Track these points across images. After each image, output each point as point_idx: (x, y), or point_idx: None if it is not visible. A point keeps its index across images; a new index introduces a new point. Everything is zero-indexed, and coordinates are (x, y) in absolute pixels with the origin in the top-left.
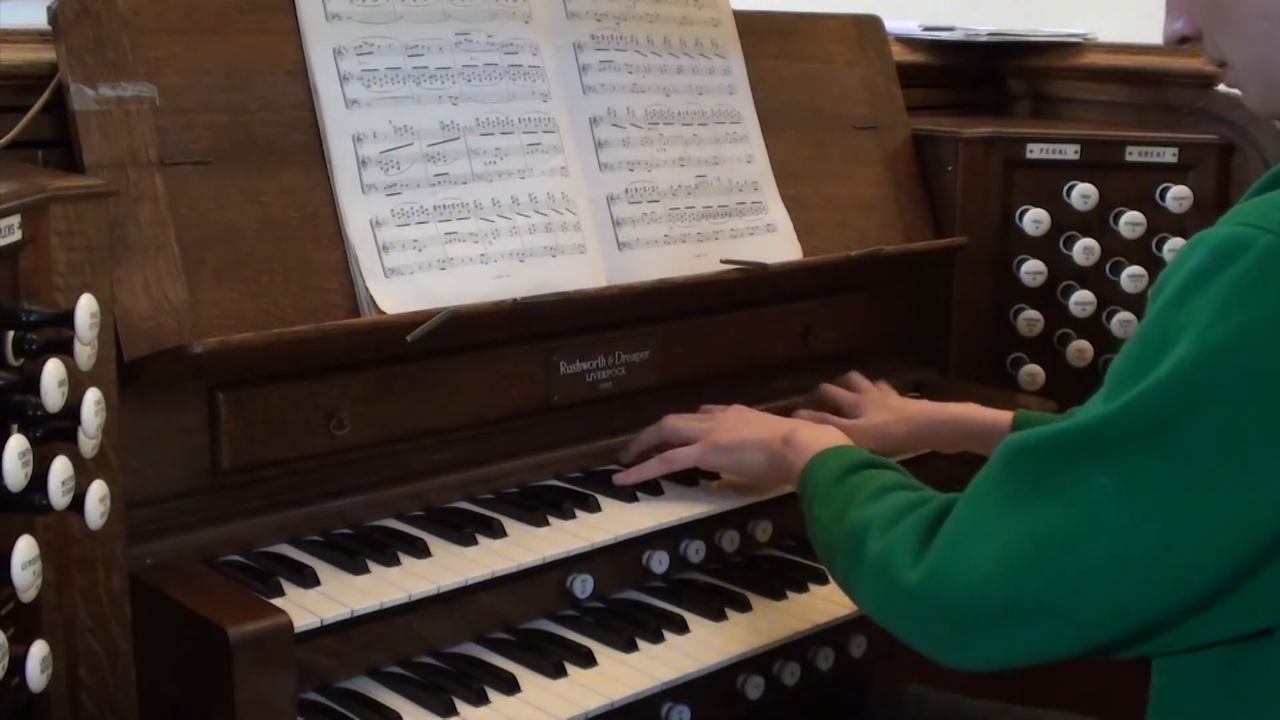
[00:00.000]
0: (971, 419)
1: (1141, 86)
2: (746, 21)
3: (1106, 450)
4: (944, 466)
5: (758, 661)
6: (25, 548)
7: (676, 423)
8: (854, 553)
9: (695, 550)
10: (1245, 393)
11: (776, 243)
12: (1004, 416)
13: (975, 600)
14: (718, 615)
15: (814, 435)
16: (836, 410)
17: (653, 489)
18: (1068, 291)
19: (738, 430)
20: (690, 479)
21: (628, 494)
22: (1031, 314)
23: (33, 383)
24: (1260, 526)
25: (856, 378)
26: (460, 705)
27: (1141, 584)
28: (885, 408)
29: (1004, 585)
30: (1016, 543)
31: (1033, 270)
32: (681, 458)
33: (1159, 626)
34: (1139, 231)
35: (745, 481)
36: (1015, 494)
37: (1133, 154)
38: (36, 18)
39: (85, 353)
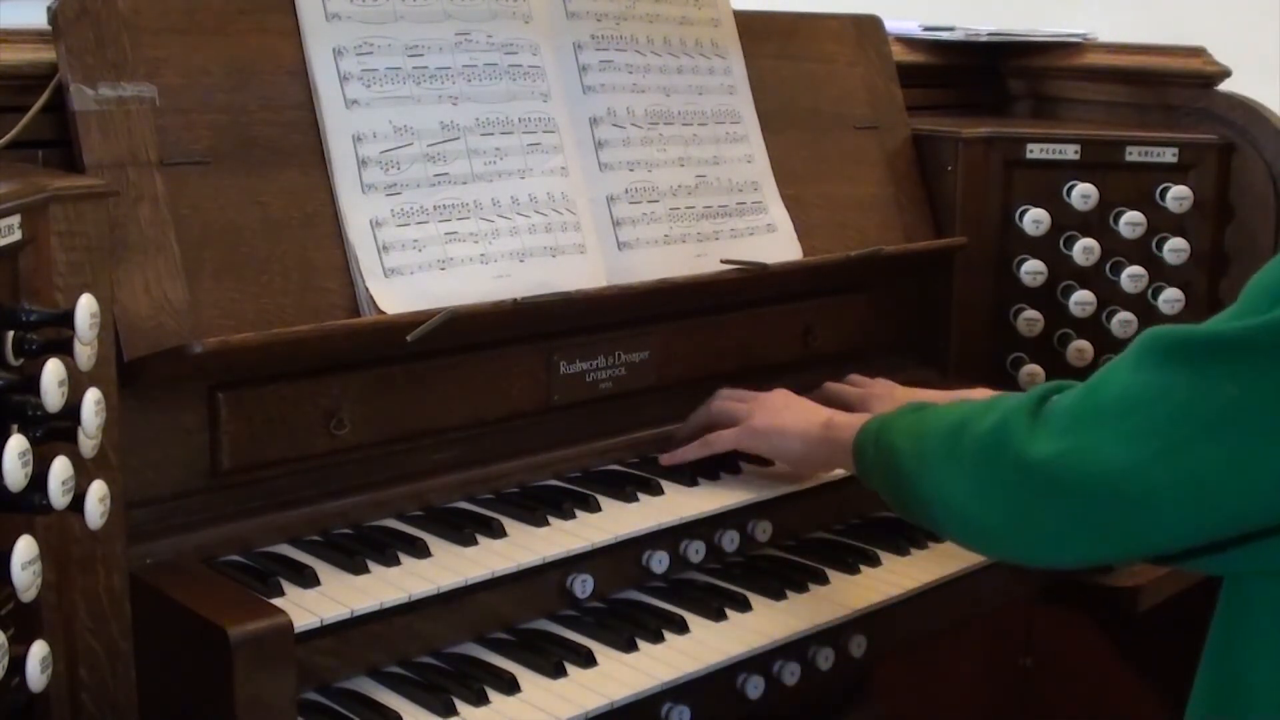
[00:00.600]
0: None
1: (1141, 86)
2: (746, 21)
3: (1240, 361)
4: None
5: (758, 661)
6: (25, 548)
7: (723, 404)
8: (950, 449)
9: (695, 550)
10: None
11: (776, 243)
12: None
13: (1100, 486)
14: (718, 615)
15: (852, 417)
16: (844, 407)
17: (652, 489)
18: (1068, 291)
19: (778, 415)
20: (690, 479)
21: (628, 494)
22: (1031, 314)
23: (33, 383)
24: None
25: (857, 378)
26: (460, 705)
27: (1253, 492)
28: (894, 399)
29: (1129, 474)
30: (1145, 432)
31: (1033, 270)
32: (721, 440)
33: (1254, 537)
34: (1139, 231)
35: (784, 470)
36: (1146, 384)
37: (1133, 154)
38: (36, 18)
39: (85, 353)
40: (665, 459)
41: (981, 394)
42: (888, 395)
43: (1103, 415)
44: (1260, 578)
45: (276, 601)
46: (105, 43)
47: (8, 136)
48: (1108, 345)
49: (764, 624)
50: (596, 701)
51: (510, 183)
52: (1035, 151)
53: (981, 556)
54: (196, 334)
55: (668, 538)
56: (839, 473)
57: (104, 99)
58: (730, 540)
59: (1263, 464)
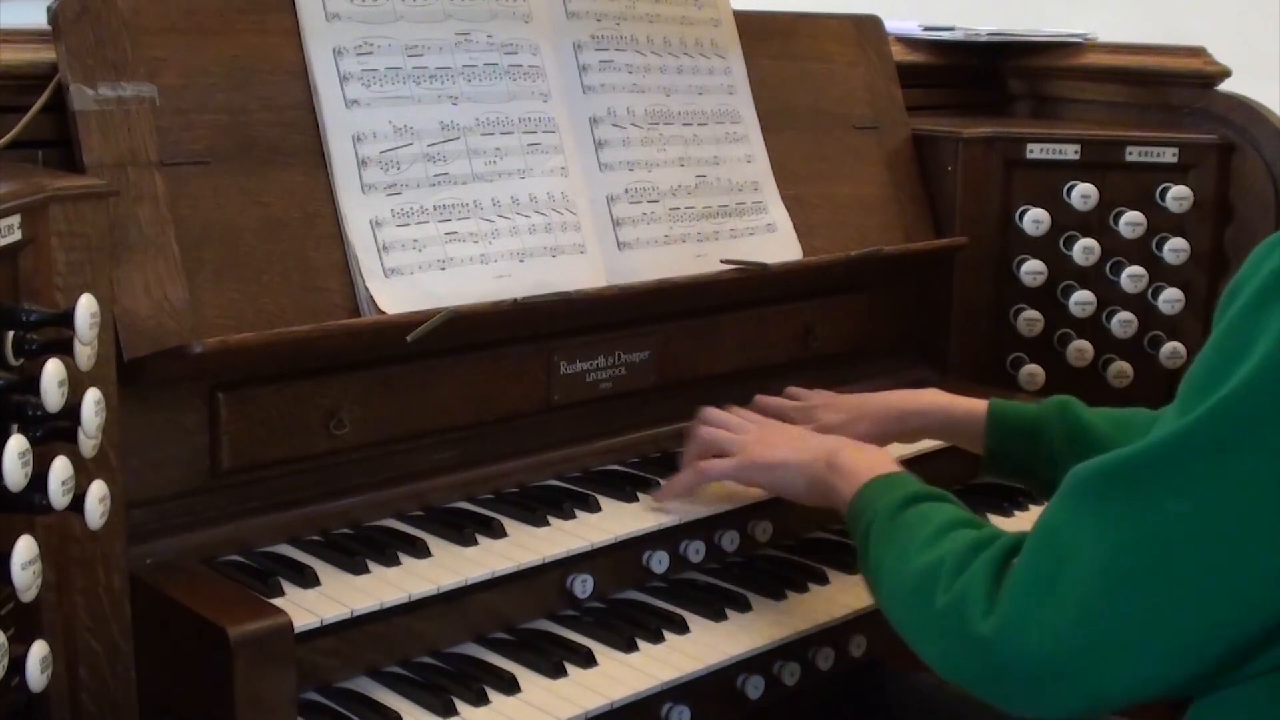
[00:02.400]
0: (944, 409)
1: (1141, 86)
2: (746, 21)
3: (1178, 471)
4: (945, 466)
5: (758, 661)
6: (25, 548)
7: (716, 435)
8: (921, 601)
9: (695, 550)
10: None
11: (776, 243)
12: (978, 405)
13: (1050, 653)
14: (718, 615)
15: (859, 458)
16: (782, 420)
17: (653, 489)
18: (1068, 291)
19: (777, 448)
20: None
21: (628, 494)
22: (1031, 314)
23: (33, 383)
24: None
25: (796, 390)
26: (460, 705)
27: (1218, 614)
28: (840, 408)
29: (1079, 633)
30: (1089, 586)
31: (1033, 270)
32: (718, 470)
33: (1236, 659)
34: (1139, 231)
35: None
36: (1085, 530)
37: (1133, 154)
38: (36, 18)
39: (85, 353)
40: (658, 496)
41: (939, 395)
42: (833, 404)
43: (1045, 578)
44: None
45: (276, 601)
46: (105, 43)
47: (8, 136)
48: (1108, 345)
49: (764, 624)
50: (596, 701)
51: (510, 183)
52: (1035, 151)
53: None
54: (196, 334)
55: (668, 538)
56: None
57: (104, 99)
58: (730, 540)
59: (1235, 572)
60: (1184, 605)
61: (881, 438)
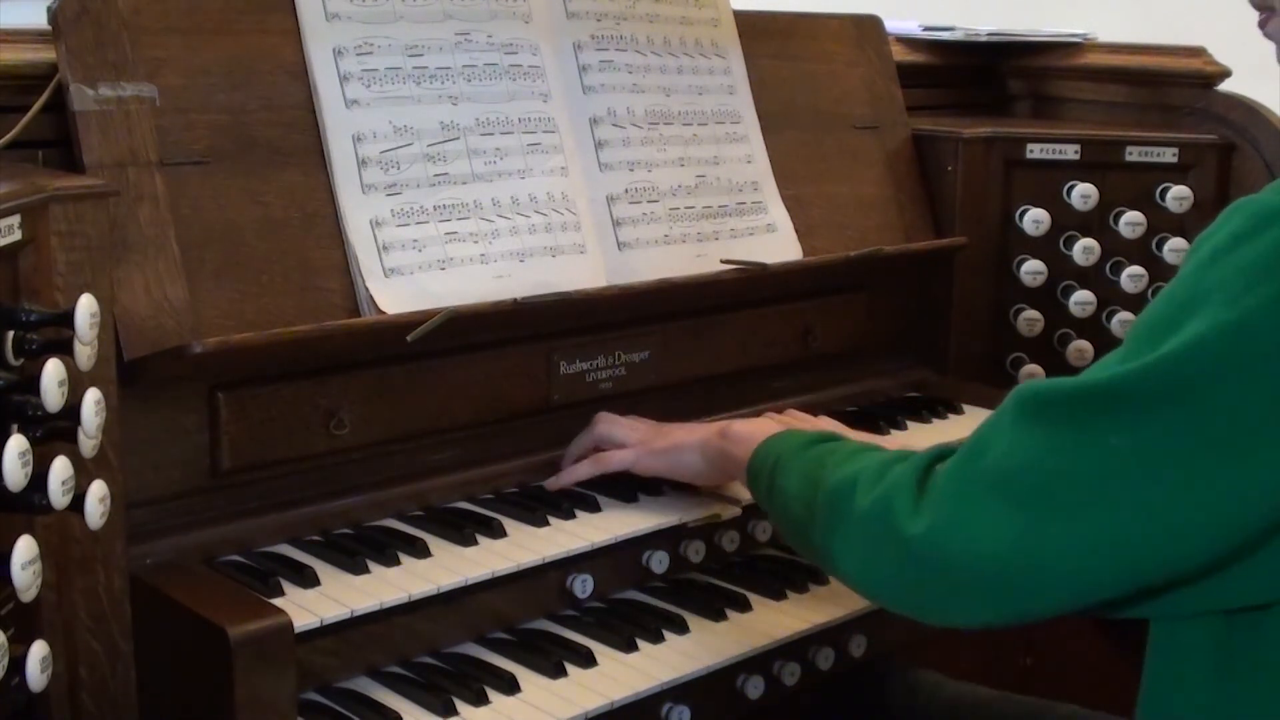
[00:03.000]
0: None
1: (1141, 86)
2: (746, 21)
3: (1123, 410)
4: None
5: (758, 661)
6: (25, 548)
7: (609, 428)
8: (837, 511)
9: (695, 550)
10: (1271, 364)
11: (776, 243)
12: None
13: (983, 560)
14: (718, 615)
15: (750, 426)
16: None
17: (653, 489)
18: (1068, 291)
19: (671, 434)
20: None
21: (628, 494)
22: (1031, 314)
23: (33, 383)
24: (1273, 498)
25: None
26: (460, 705)
27: (1148, 547)
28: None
29: (1013, 544)
30: (1024, 500)
31: (1033, 270)
32: (615, 460)
33: (1160, 590)
34: (1139, 231)
35: (679, 481)
36: (1025, 447)
37: (1133, 154)
38: (36, 18)
39: (85, 353)
40: (552, 483)
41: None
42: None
43: (981, 486)
44: (1184, 622)
45: (276, 601)
46: (105, 43)
47: (8, 136)
48: (1108, 345)
49: (764, 624)
50: (596, 701)
51: (510, 183)
52: (1035, 151)
53: None
54: (196, 334)
55: (668, 538)
56: None
57: (104, 99)
58: (730, 540)
59: (1160, 515)
60: (1110, 536)
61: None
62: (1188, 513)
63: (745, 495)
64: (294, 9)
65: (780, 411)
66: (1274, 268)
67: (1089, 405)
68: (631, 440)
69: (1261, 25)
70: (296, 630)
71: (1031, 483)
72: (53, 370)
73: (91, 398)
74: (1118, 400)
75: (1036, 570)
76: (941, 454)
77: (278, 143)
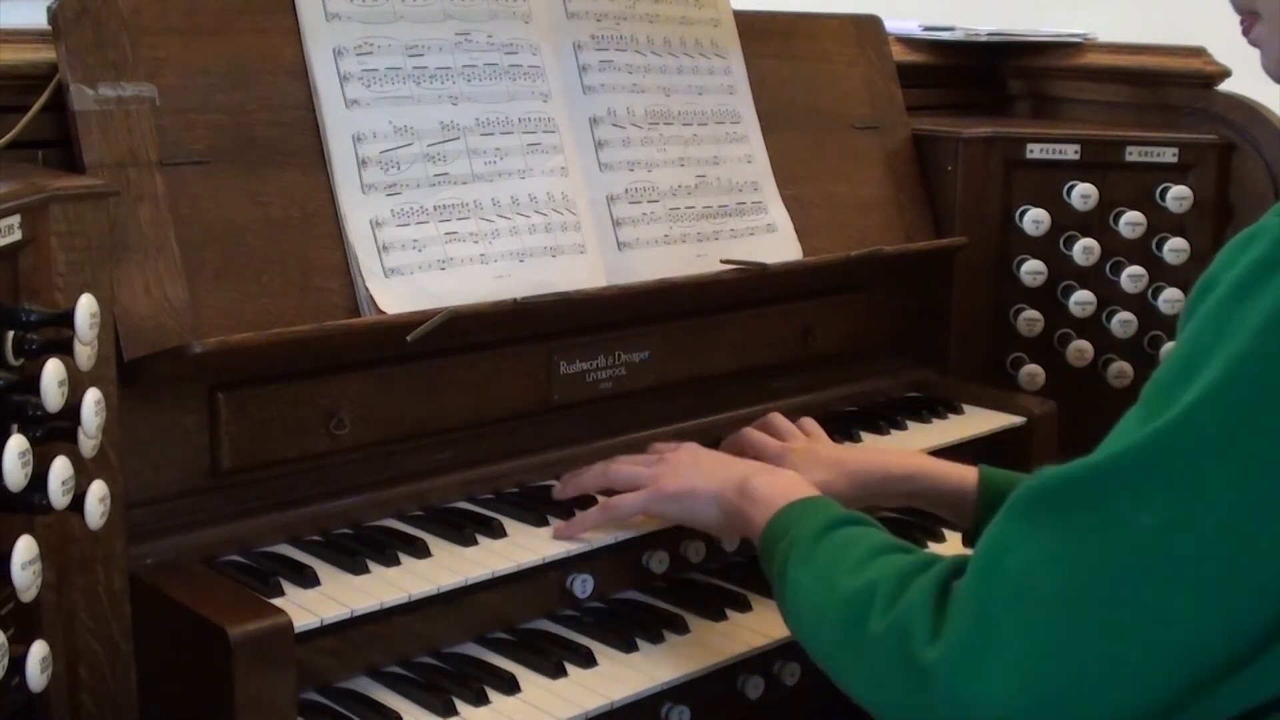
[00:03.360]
0: (927, 477)
1: (1141, 86)
2: (746, 21)
3: (1150, 480)
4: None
5: (758, 661)
6: (25, 548)
7: (621, 467)
8: (851, 627)
9: (695, 550)
10: None
11: (776, 243)
12: (969, 474)
13: (1006, 693)
14: (718, 615)
15: (771, 484)
16: (760, 460)
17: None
18: (1068, 291)
19: (687, 477)
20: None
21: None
22: (1031, 314)
23: (33, 383)
24: None
25: (779, 421)
26: (460, 705)
27: (1208, 631)
28: (819, 461)
29: (1041, 672)
30: (1048, 612)
31: (1033, 270)
32: (625, 505)
33: (1207, 684)
34: (1139, 231)
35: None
36: (1042, 548)
37: (1133, 154)
38: (36, 18)
39: (85, 353)
40: (560, 531)
41: (927, 462)
42: (810, 454)
43: (1000, 606)
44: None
45: (276, 601)
46: (105, 43)
47: (8, 136)
48: (1108, 345)
49: (764, 624)
50: (596, 701)
51: (510, 183)
52: (1035, 151)
53: None
54: (196, 334)
55: (668, 538)
56: None
57: (104, 99)
58: (730, 540)
59: (1217, 589)
60: (1159, 628)
61: (859, 499)
62: (1243, 582)
63: None
64: (294, 9)
65: (791, 418)
66: None
67: (1109, 484)
68: (644, 479)
69: (1245, 32)
70: (296, 630)
71: (1056, 591)
72: (53, 370)
73: (91, 398)
74: (1139, 470)
75: (1071, 693)
76: (962, 565)
77: (278, 143)
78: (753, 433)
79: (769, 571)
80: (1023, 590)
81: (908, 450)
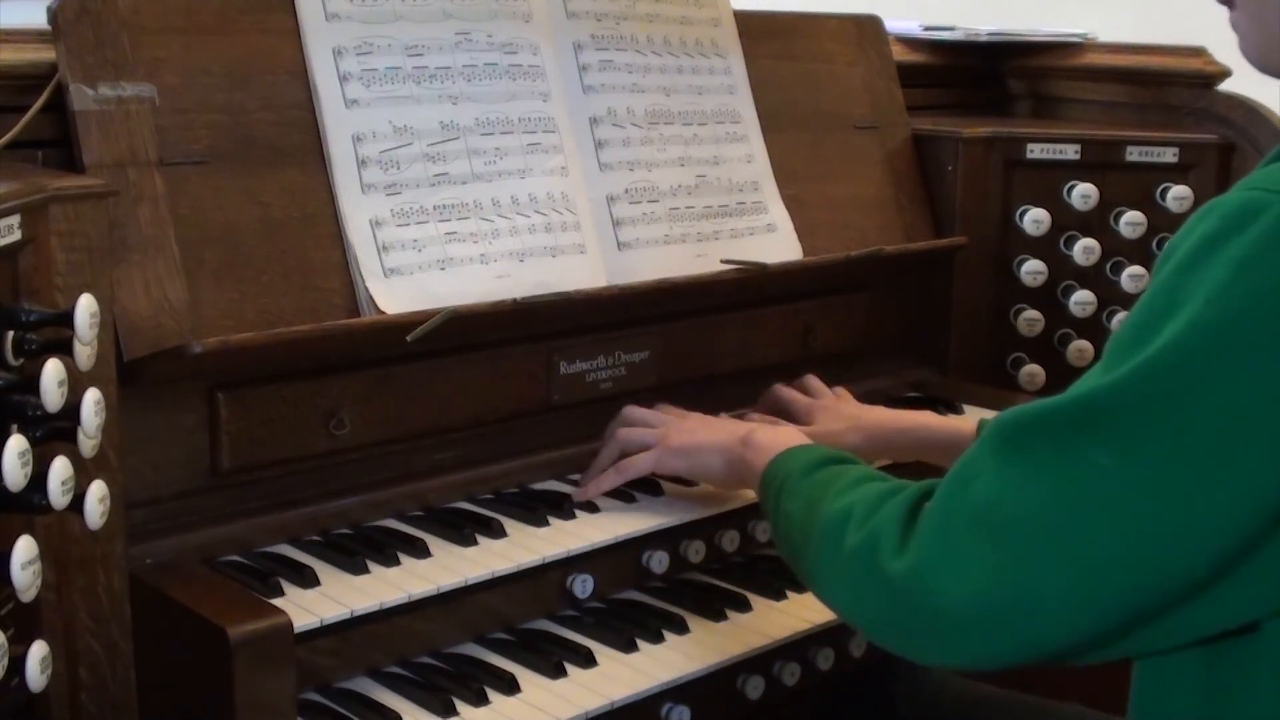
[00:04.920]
0: (932, 429)
1: (1141, 86)
2: (746, 21)
3: (1105, 424)
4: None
5: (758, 661)
6: (25, 548)
7: (630, 433)
8: (829, 544)
9: (695, 550)
10: (1255, 361)
11: (776, 243)
12: (966, 425)
13: (964, 600)
14: (718, 615)
15: (773, 436)
16: (789, 416)
17: (653, 489)
18: (1068, 291)
19: (694, 433)
20: (689, 480)
21: (628, 494)
22: (1031, 314)
23: (32, 383)
24: (1266, 501)
25: (813, 382)
26: (460, 705)
27: (1146, 567)
28: (839, 415)
29: (995, 585)
30: (1007, 533)
31: (1033, 270)
32: (637, 465)
33: (1150, 615)
34: (1139, 231)
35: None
36: (1006, 477)
37: (1133, 154)
38: (36, 18)
39: (85, 353)
40: (579, 494)
41: (931, 417)
42: (834, 409)
43: (962, 522)
44: (1173, 656)
45: (276, 601)
46: (105, 43)
47: (8, 136)
48: None
49: (764, 624)
50: (596, 701)
51: (510, 183)
52: (1035, 151)
53: None
54: (196, 334)
55: (668, 538)
56: None
57: (104, 99)
58: (730, 540)
59: (1156, 529)
60: (1103, 559)
61: (871, 452)
62: (1185, 523)
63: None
64: (294, 9)
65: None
66: (1251, 265)
67: (1069, 424)
68: (653, 439)
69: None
70: (296, 630)
71: (1015, 515)
72: (53, 370)
73: (91, 398)
74: (1099, 414)
75: (1022, 608)
76: (932, 489)
77: (278, 143)
78: (785, 389)
79: (765, 507)
80: (985, 513)
81: (919, 411)
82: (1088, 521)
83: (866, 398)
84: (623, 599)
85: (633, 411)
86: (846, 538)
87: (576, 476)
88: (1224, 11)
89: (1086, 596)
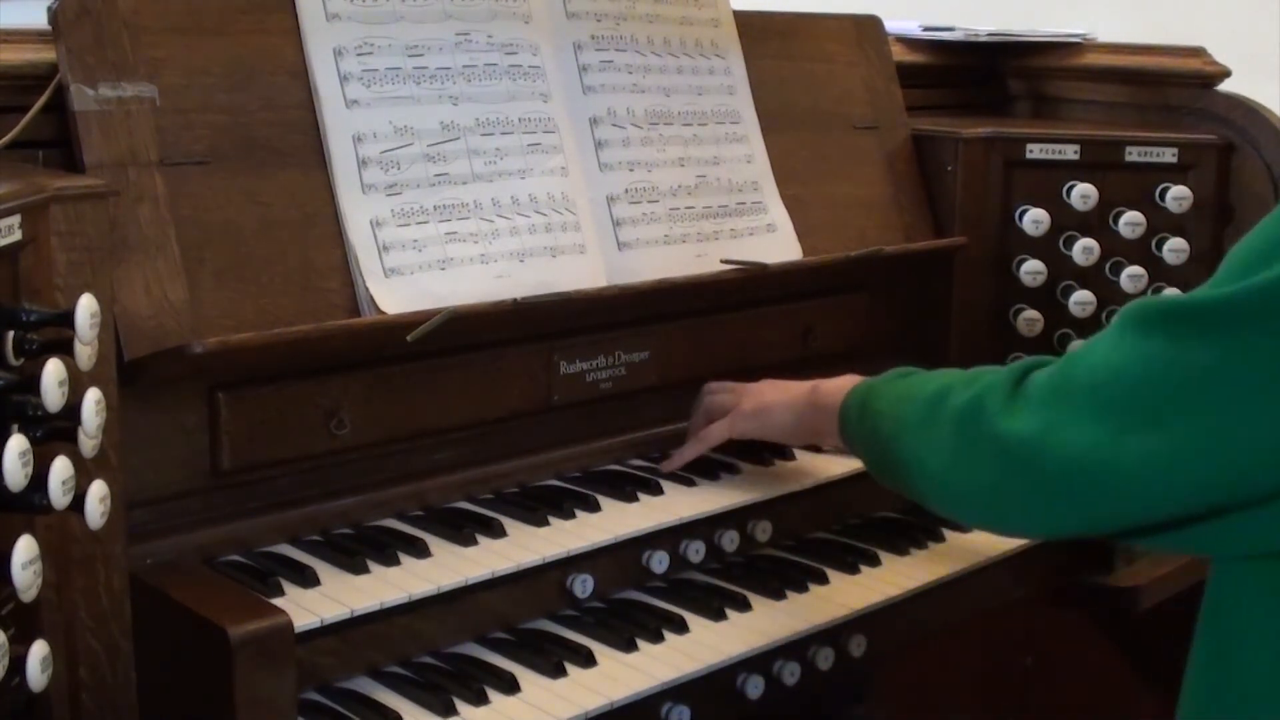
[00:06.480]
0: None
1: (1141, 86)
2: (746, 21)
3: (1210, 329)
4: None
5: (758, 661)
6: (25, 548)
7: (712, 399)
8: (930, 414)
9: (695, 550)
10: None
11: (776, 243)
12: None
13: (1069, 462)
14: (718, 615)
15: (838, 382)
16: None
17: (652, 489)
18: (1068, 291)
19: (762, 394)
20: (688, 480)
21: (628, 494)
22: (1031, 314)
23: (33, 383)
24: None
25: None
26: (460, 705)
27: (1221, 462)
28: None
29: (1098, 449)
30: (1115, 404)
31: (1033, 270)
32: (713, 434)
33: (1226, 514)
34: (1139, 231)
35: (784, 469)
36: (1120, 356)
37: (1133, 154)
38: (36, 18)
39: (85, 353)
40: (666, 465)
41: None
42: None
43: (1076, 389)
44: (1245, 562)
45: (276, 601)
46: (105, 43)
47: (8, 136)
48: None
49: (764, 624)
50: (596, 701)
51: (510, 183)
52: (1035, 151)
53: (976, 557)
54: (197, 334)
55: (668, 538)
56: (839, 472)
57: (104, 99)
58: (730, 540)
59: (1238, 433)
60: (1190, 446)
61: None
62: (1261, 432)
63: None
64: (294, 9)
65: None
66: None
67: (1185, 321)
68: (729, 405)
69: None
70: (296, 630)
71: (1121, 391)
72: (53, 370)
73: (92, 398)
74: (1212, 318)
75: (1114, 476)
76: (1037, 363)
77: (278, 143)
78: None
79: (848, 433)
80: (1095, 384)
81: None
82: (1181, 411)
83: None
84: (623, 599)
85: (713, 385)
86: (948, 403)
87: (576, 475)
88: (1223, 12)
89: (1167, 478)
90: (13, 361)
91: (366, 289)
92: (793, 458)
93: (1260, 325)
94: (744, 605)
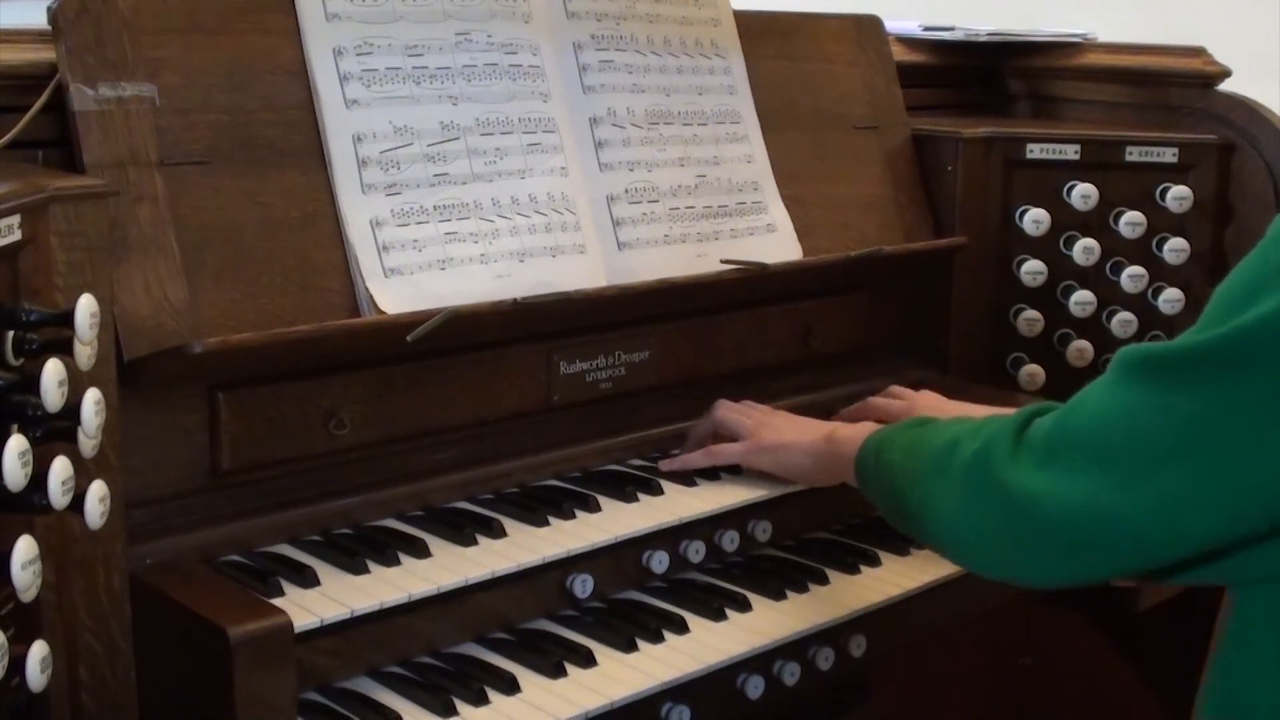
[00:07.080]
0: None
1: (1141, 86)
2: (746, 21)
3: (1194, 375)
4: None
5: (758, 661)
6: (25, 548)
7: (726, 414)
8: (938, 467)
9: (695, 550)
10: None
11: (776, 243)
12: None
13: (1067, 514)
14: (718, 615)
15: (855, 429)
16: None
17: (652, 489)
18: (1068, 291)
19: (782, 431)
20: (688, 480)
21: (628, 494)
22: (1031, 314)
23: (33, 383)
24: None
25: (898, 390)
26: (460, 705)
27: (1215, 507)
28: (939, 413)
29: (1094, 501)
30: (1109, 455)
31: (1033, 270)
32: (727, 453)
33: (1231, 552)
34: (1139, 231)
35: (785, 479)
36: (1112, 406)
37: (1133, 154)
38: (36, 18)
39: (85, 353)
40: (665, 465)
41: (973, 408)
42: (934, 408)
43: (1075, 441)
44: (1265, 585)
45: (276, 601)
46: (105, 43)
47: (8, 136)
48: (1108, 345)
49: (764, 624)
50: (596, 701)
51: (510, 183)
52: (1035, 151)
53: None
54: (196, 334)
55: (668, 538)
56: None
57: (104, 99)
58: (730, 540)
59: (1232, 479)
60: (1183, 493)
61: None
62: (1250, 475)
63: None
64: (294, 9)
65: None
66: None
67: (1168, 372)
68: (745, 431)
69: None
70: (296, 630)
71: (1116, 442)
72: (53, 370)
73: (91, 398)
74: (1188, 368)
75: (1115, 526)
76: (1041, 410)
77: (278, 143)
78: (877, 400)
79: (864, 480)
80: (1089, 435)
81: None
82: (1172, 459)
83: (866, 397)
84: (623, 599)
85: (727, 402)
86: (958, 453)
87: (576, 475)
88: (1224, 11)
89: (1164, 525)
90: (12, 361)
91: (366, 289)
92: None
93: (1239, 372)
94: (744, 605)
